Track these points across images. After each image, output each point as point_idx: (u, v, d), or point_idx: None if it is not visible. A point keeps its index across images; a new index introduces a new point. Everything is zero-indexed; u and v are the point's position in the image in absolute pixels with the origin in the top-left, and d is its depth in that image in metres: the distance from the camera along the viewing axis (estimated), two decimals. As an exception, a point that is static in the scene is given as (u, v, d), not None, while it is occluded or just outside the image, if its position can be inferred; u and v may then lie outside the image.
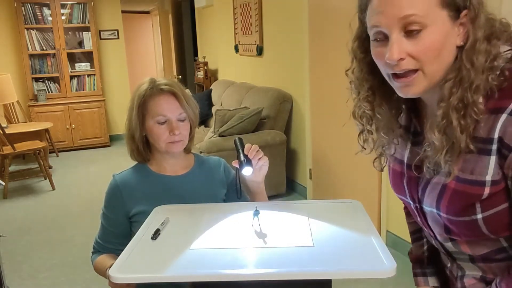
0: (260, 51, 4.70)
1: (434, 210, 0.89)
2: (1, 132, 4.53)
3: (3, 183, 4.27)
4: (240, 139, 1.46)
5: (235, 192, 1.49)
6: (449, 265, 1.02)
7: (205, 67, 6.29)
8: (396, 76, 0.82)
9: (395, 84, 0.84)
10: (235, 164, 1.40)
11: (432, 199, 0.89)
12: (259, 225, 1.18)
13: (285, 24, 4.13)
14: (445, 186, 0.85)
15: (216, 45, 6.10)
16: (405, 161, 0.97)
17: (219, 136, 3.97)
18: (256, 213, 1.19)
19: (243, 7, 4.96)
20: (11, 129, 5.05)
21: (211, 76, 6.33)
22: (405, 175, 0.97)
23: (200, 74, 6.41)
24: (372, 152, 1.02)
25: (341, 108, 3.77)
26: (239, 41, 5.24)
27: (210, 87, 5.83)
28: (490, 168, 0.79)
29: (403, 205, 1.10)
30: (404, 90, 0.83)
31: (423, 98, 0.91)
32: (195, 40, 7.27)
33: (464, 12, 0.79)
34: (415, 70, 0.80)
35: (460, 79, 0.79)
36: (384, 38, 0.81)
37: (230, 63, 5.71)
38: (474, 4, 0.79)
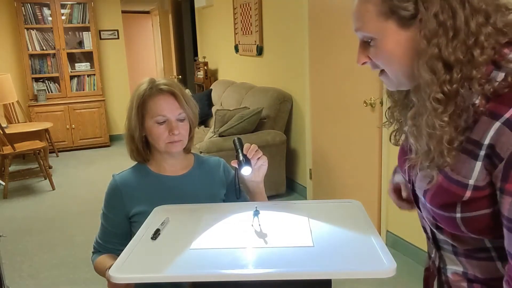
0: (260, 51, 4.70)
1: (423, 198, 0.90)
2: (1, 132, 4.53)
3: (3, 183, 4.28)
4: (239, 139, 1.46)
5: (235, 192, 1.49)
6: (433, 255, 1.02)
7: (205, 67, 6.29)
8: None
9: None
10: (234, 164, 1.40)
11: (422, 187, 0.89)
12: (259, 225, 1.18)
13: (285, 24, 4.13)
14: (434, 178, 0.86)
15: (216, 45, 6.11)
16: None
17: (219, 136, 3.97)
18: (256, 213, 1.20)
19: (243, 7, 4.97)
20: (11, 129, 5.05)
21: (211, 76, 6.33)
22: (408, 155, 0.98)
23: (200, 74, 6.41)
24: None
25: (341, 108, 3.76)
26: (239, 41, 5.24)
27: (210, 87, 5.83)
28: (475, 173, 0.78)
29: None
30: (385, 84, 0.93)
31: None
32: (195, 40, 7.27)
33: (419, 17, 0.78)
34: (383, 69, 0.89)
35: (418, 88, 0.82)
36: None
37: (230, 63, 5.71)
38: (421, 11, 0.77)
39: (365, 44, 0.87)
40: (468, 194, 0.79)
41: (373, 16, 0.82)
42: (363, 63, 0.88)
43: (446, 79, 0.77)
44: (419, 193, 0.91)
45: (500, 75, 0.77)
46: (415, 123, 0.84)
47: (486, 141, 0.76)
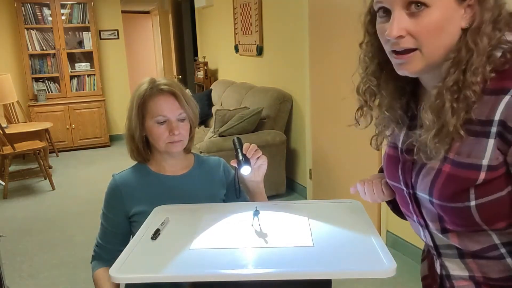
0: (260, 51, 4.70)
1: (427, 196, 0.87)
2: (1, 132, 4.53)
3: (3, 183, 4.28)
4: (238, 138, 1.46)
5: (235, 192, 1.49)
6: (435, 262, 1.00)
7: (205, 67, 6.30)
8: (395, 53, 0.83)
9: (394, 61, 0.85)
10: (234, 163, 1.40)
11: (425, 184, 0.87)
12: (259, 225, 1.18)
13: (285, 24, 4.13)
14: (440, 170, 0.83)
15: (216, 45, 6.11)
16: (399, 145, 0.96)
17: (219, 136, 3.97)
18: (256, 213, 1.19)
19: (243, 7, 4.97)
20: (11, 129, 5.05)
21: (211, 76, 6.33)
22: (399, 160, 0.96)
23: (200, 74, 6.41)
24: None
25: (341, 108, 3.77)
26: (239, 41, 5.24)
27: (210, 87, 5.83)
28: (488, 152, 0.77)
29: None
30: (401, 67, 0.84)
31: (423, 82, 0.91)
32: (195, 40, 7.27)
33: None
34: (414, 49, 0.81)
35: (459, 60, 0.79)
36: (388, 14, 0.82)
37: (230, 63, 5.71)
38: None
39: (406, 15, 0.79)
40: (482, 176, 0.78)
41: None
42: (400, 37, 0.80)
43: (489, 53, 0.78)
44: (424, 193, 0.88)
45: (497, 54, 0.78)
46: (440, 97, 0.81)
47: (496, 117, 0.75)
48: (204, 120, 5.41)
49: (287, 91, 4.18)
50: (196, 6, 6.37)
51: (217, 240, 1.12)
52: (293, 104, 4.16)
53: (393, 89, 0.93)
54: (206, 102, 5.48)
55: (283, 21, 4.17)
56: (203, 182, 1.53)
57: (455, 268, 0.93)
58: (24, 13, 6.05)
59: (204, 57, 6.49)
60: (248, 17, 4.88)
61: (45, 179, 4.93)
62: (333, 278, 1.00)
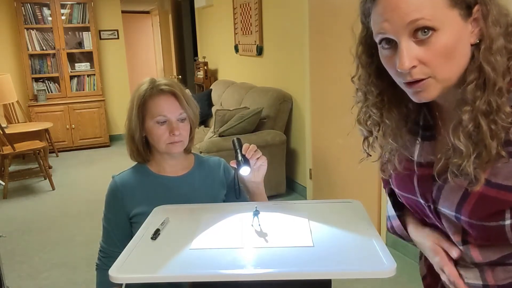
0: (260, 51, 4.70)
1: (453, 213, 0.84)
2: (1, 132, 4.53)
3: (3, 183, 4.28)
4: (238, 139, 1.46)
5: (234, 192, 1.49)
6: None
7: (205, 67, 6.30)
8: (408, 83, 0.79)
9: (408, 91, 0.82)
10: (233, 164, 1.40)
11: (451, 202, 0.84)
12: (259, 225, 1.18)
13: (285, 24, 4.13)
14: (470, 190, 0.81)
15: (216, 45, 6.11)
16: (415, 159, 0.93)
17: (219, 136, 3.97)
18: (256, 213, 1.19)
19: (243, 7, 4.97)
20: (11, 129, 5.05)
21: (211, 76, 6.33)
22: (415, 173, 0.93)
23: (200, 74, 6.41)
24: (374, 157, 0.99)
25: (341, 108, 3.77)
26: (239, 41, 5.24)
27: (210, 87, 5.83)
28: None
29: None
30: (417, 96, 0.80)
31: (439, 100, 0.87)
32: (195, 40, 7.28)
33: (476, 7, 0.75)
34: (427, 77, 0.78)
35: (484, 81, 0.75)
36: (392, 44, 0.79)
37: (230, 63, 5.71)
38: (481, 1, 0.76)
39: (414, 43, 0.76)
40: None
41: (439, 4, 0.74)
42: (412, 67, 0.76)
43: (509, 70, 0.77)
44: (448, 210, 0.86)
45: None
46: (475, 122, 0.77)
47: None
48: (204, 120, 5.41)
49: (287, 91, 4.18)
50: (196, 6, 6.37)
51: (217, 240, 1.12)
52: (293, 104, 4.16)
53: (398, 114, 0.90)
54: (206, 102, 5.48)
55: (283, 21, 4.17)
56: (203, 183, 1.53)
57: (470, 277, 0.91)
58: (24, 13, 6.05)
59: (204, 57, 6.49)
60: (248, 17, 4.88)
61: (45, 179, 4.93)
62: (333, 278, 1.00)
